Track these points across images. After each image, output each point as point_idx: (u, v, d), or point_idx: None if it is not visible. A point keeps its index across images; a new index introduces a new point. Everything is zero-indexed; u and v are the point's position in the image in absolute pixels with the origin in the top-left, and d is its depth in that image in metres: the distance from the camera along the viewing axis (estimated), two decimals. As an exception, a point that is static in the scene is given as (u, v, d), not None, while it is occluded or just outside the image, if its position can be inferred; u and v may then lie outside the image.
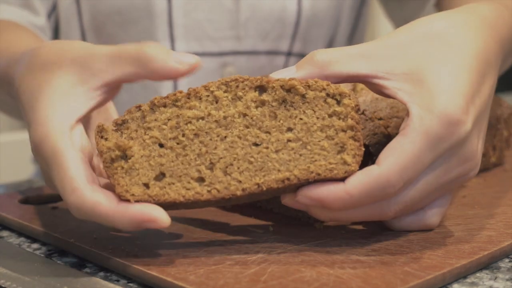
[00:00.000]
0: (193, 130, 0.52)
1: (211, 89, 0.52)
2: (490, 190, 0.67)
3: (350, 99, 0.52)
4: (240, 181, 0.51)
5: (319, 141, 0.51)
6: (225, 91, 0.52)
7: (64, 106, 0.53)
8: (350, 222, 0.57)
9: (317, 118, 0.52)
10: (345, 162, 0.51)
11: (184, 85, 0.93)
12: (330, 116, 0.52)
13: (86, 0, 0.91)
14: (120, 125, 0.52)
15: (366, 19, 1.06)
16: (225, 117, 0.52)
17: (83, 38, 0.93)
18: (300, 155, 0.51)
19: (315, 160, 0.51)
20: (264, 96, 0.52)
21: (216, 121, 0.52)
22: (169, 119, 0.52)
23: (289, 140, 0.51)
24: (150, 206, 0.49)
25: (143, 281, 0.49)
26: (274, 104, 0.52)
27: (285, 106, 0.52)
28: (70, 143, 0.51)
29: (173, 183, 0.51)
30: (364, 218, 0.52)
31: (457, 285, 0.49)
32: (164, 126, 0.52)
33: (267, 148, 0.51)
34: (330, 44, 1.00)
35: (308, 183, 0.51)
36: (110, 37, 0.92)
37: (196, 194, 0.51)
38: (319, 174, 0.50)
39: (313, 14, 0.95)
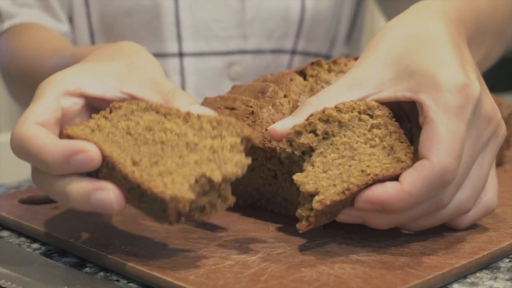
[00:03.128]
0: (163, 138, 0.51)
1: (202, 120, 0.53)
2: (490, 190, 0.67)
3: (381, 109, 0.53)
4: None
5: (365, 151, 0.51)
6: (213, 128, 0.52)
7: (82, 76, 0.56)
8: (407, 227, 0.54)
9: (358, 136, 0.52)
10: (398, 160, 0.50)
11: (192, 83, 0.94)
12: (369, 130, 0.52)
13: (95, 2, 0.92)
14: (111, 108, 0.55)
15: (363, 18, 1.07)
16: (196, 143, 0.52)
17: (92, 39, 0.95)
18: (350, 166, 0.50)
19: (368, 165, 0.50)
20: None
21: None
22: (149, 121, 0.53)
23: (334, 160, 0.51)
24: (84, 142, 0.50)
25: (143, 281, 0.49)
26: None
27: (325, 139, 0.52)
28: (56, 95, 0.54)
29: (115, 148, 0.50)
30: (422, 215, 0.51)
31: (457, 285, 0.49)
32: (141, 122, 0.53)
33: (314, 171, 0.51)
34: (332, 42, 1.01)
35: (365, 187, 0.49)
36: (118, 38, 0.93)
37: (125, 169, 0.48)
38: (376, 175, 0.49)
39: (316, 13, 0.96)
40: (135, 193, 0.48)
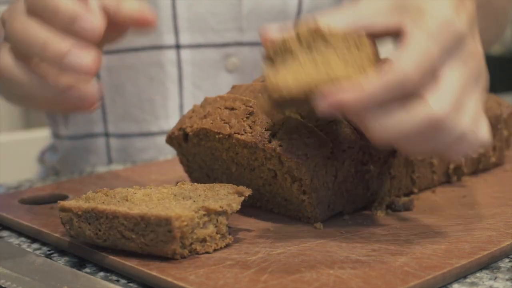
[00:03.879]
0: (160, 197, 0.56)
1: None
2: (490, 190, 0.67)
3: (370, 47, 0.52)
4: None
5: (338, 66, 0.51)
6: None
7: None
8: (407, 148, 0.52)
9: (338, 56, 0.52)
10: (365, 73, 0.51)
11: (189, 75, 0.94)
12: (350, 54, 0.52)
13: None
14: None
15: None
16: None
17: None
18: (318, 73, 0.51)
19: (334, 73, 0.50)
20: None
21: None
22: (146, 190, 0.57)
23: (307, 67, 0.52)
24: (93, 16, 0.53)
25: (143, 281, 0.50)
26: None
27: (307, 51, 0.53)
28: None
29: (112, 205, 0.53)
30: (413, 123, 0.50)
31: (457, 285, 0.49)
32: (138, 193, 0.56)
33: (284, 70, 0.51)
34: None
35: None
36: None
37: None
38: (338, 78, 0.50)
39: (313, 7, 0.97)
40: (139, 228, 0.50)
